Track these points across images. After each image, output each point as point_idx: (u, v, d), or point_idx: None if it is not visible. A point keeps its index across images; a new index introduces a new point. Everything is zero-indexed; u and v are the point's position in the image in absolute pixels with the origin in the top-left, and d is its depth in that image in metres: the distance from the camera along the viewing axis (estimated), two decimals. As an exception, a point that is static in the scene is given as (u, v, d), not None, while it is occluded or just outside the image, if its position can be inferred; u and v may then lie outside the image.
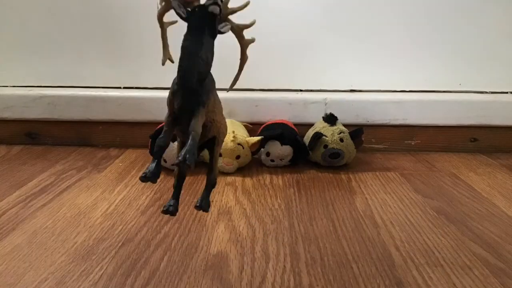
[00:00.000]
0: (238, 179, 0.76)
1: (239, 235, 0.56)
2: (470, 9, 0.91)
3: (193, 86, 0.39)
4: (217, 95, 0.44)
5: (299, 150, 0.81)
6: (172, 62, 0.43)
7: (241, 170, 0.80)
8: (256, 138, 0.80)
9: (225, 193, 0.70)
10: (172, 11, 0.40)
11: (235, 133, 0.78)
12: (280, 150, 0.80)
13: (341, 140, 0.80)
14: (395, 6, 0.90)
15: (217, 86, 0.44)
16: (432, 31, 0.92)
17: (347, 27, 0.92)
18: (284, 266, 0.49)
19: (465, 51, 0.94)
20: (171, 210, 0.39)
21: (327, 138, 0.80)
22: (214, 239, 0.55)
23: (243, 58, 0.43)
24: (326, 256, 0.51)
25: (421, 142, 0.94)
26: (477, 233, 0.57)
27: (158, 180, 0.74)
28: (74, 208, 0.63)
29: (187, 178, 0.75)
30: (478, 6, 0.90)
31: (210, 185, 0.45)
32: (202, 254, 0.51)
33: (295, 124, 0.90)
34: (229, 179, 0.77)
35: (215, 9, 0.39)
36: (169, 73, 0.97)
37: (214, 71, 0.43)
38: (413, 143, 0.94)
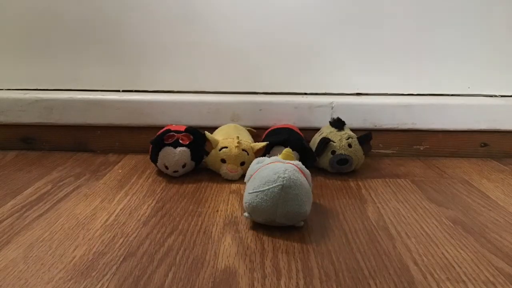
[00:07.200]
0: (242, 187, 0.73)
1: (247, 248, 0.53)
2: (478, 11, 0.88)
3: None
4: None
5: (305, 156, 0.78)
6: None
7: (246, 177, 0.77)
8: (261, 144, 0.77)
9: (230, 202, 0.67)
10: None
11: (239, 138, 0.75)
12: (286, 156, 0.77)
13: (350, 145, 0.77)
14: (402, 9, 0.88)
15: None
16: (439, 33, 0.90)
17: (353, 29, 0.89)
18: (297, 283, 0.46)
19: (474, 54, 0.91)
20: None
21: (335, 144, 0.77)
22: (221, 253, 0.52)
23: None
24: (341, 271, 0.48)
25: (430, 147, 0.92)
26: (497, 245, 0.54)
27: (159, 189, 0.72)
28: (72, 219, 0.60)
29: (189, 186, 0.73)
30: (486, 8, 0.88)
31: None
32: (209, 269, 0.48)
33: (300, 129, 0.87)
34: (234, 186, 0.74)
35: None
36: (169, 76, 0.94)
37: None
38: (422, 148, 0.92)
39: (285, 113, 0.89)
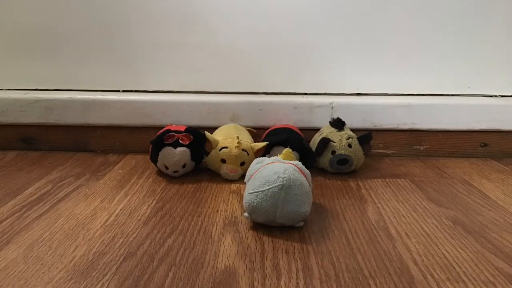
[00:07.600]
0: (243, 187, 0.73)
1: (248, 249, 0.53)
2: (478, 11, 0.88)
3: None
4: None
5: (305, 156, 0.78)
6: None
7: (246, 177, 0.77)
8: (261, 144, 0.77)
9: (230, 202, 0.67)
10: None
11: (239, 138, 0.75)
12: (286, 156, 0.77)
13: (350, 145, 0.77)
14: (402, 9, 0.88)
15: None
16: (440, 33, 0.90)
17: (353, 29, 0.89)
18: (297, 283, 0.46)
19: (474, 54, 0.91)
20: None
21: (335, 144, 0.77)
22: (221, 253, 0.52)
23: None
24: (341, 271, 0.48)
25: (430, 147, 0.92)
26: (497, 245, 0.54)
27: (159, 189, 0.72)
28: (72, 219, 0.60)
29: (189, 186, 0.73)
30: (486, 8, 0.88)
31: None
32: (209, 269, 0.48)
33: (300, 129, 0.87)
34: (234, 186, 0.74)
35: None
36: (169, 76, 0.94)
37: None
38: (422, 148, 0.92)
39: (285, 113, 0.89)
